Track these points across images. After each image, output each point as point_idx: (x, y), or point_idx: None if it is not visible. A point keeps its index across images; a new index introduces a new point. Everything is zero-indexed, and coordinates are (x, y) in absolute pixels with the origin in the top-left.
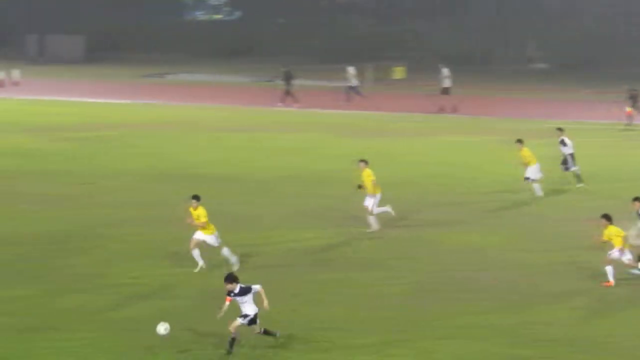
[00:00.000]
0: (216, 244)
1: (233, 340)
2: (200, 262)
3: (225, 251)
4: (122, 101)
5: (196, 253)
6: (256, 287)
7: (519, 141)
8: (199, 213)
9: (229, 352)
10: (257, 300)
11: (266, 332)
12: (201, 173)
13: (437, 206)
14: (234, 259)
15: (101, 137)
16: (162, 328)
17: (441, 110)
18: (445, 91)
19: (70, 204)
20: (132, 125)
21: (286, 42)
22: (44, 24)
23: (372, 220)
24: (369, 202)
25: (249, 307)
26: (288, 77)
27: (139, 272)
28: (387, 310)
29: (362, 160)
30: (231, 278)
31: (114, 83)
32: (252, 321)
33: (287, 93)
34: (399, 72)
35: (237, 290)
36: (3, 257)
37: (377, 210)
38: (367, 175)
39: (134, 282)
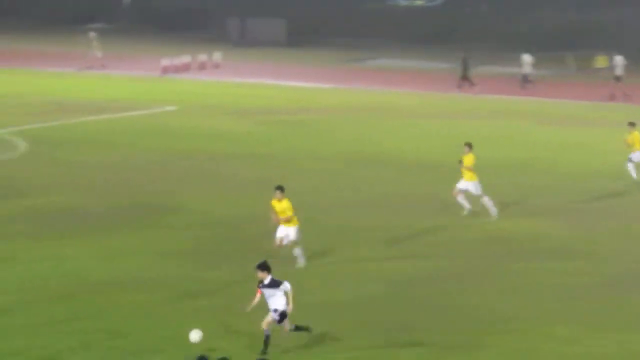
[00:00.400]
0: (296, 238)
1: (267, 338)
2: (301, 258)
3: (297, 251)
4: (323, 85)
5: (298, 252)
6: (287, 286)
7: (631, 124)
8: (284, 206)
9: (264, 352)
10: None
11: (298, 328)
12: (399, 158)
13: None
14: (302, 260)
15: (302, 121)
16: (196, 336)
17: (612, 98)
18: (618, 79)
19: (271, 187)
20: (333, 110)
21: (487, 29)
22: (245, 7)
23: (461, 200)
24: (463, 185)
25: (278, 301)
26: (466, 63)
27: (337, 257)
28: (584, 300)
29: (467, 144)
30: (263, 266)
31: (315, 67)
32: (283, 316)
33: (465, 79)
34: (600, 61)
35: (267, 281)
36: (206, 239)
37: (460, 197)
38: (469, 160)
39: (333, 268)
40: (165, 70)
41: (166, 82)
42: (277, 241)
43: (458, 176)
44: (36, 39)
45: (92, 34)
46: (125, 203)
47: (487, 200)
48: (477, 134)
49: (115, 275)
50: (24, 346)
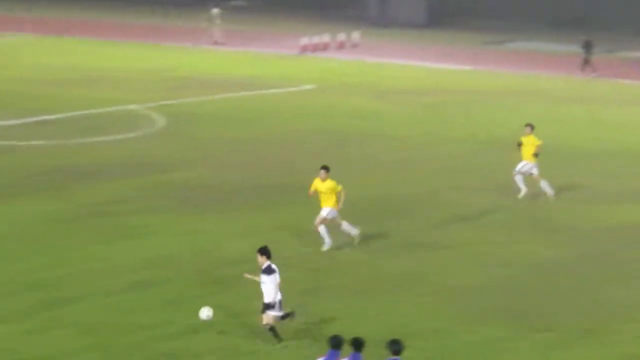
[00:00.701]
0: (332, 217)
1: (276, 327)
2: (355, 231)
3: (345, 225)
4: (461, 67)
5: (346, 225)
6: (277, 278)
7: None
8: (328, 186)
9: (279, 339)
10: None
11: (272, 330)
12: None
13: None
14: (354, 231)
15: (438, 103)
16: (205, 314)
17: None
18: None
19: (407, 168)
20: (470, 92)
21: (630, 13)
22: None
23: (544, 185)
24: (533, 170)
25: (267, 290)
26: (588, 46)
27: (466, 241)
28: None
29: (528, 125)
30: (262, 251)
31: (453, 49)
32: (267, 307)
33: (586, 62)
34: None
35: (264, 266)
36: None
37: (518, 176)
38: (530, 141)
39: (463, 252)
40: (304, 48)
41: (305, 60)
42: (326, 222)
43: (594, 162)
44: (175, 15)
45: (214, 11)
46: (260, 181)
47: (519, 180)
48: (610, 119)
49: (248, 253)
50: (157, 321)
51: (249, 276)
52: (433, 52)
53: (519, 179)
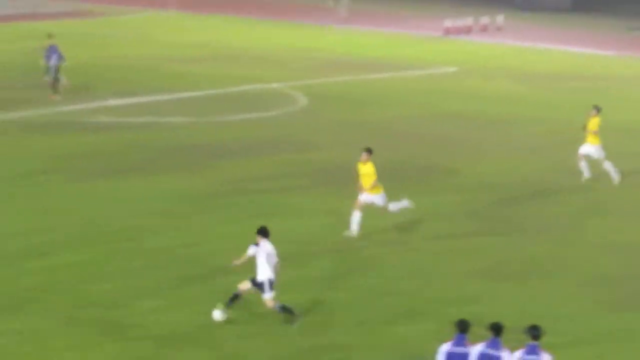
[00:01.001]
0: (383, 204)
1: (283, 308)
2: (355, 228)
3: (393, 206)
4: (606, 53)
5: (357, 216)
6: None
7: None
8: (368, 169)
9: (293, 321)
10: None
11: (283, 309)
12: None
13: None
14: (404, 203)
15: (583, 88)
16: (218, 316)
17: None
18: None
19: (547, 153)
20: (614, 78)
21: None
22: None
23: (583, 166)
24: (585, 150)
25: (262, 268)
26: None
27: (609, 225)
28: None
29: (595, 107)
30: (261, 231)
31: (598, 34)
32: (260, 287)
33: None
34: None
35: (260, 244)
36: (474, 203)
37: (607, 163)
38: (594, 124)
39: (607, 237)
40: (448, 31)
41: (448, 43)
42: (358, 205)
43: None
44: None
45: None
46: (395, 163)
47: (608, 165)
48: None
49: (385, 233)
50: (301, 300)
51: (238, 262)
52: (577, 36)
53: (608, 166)
